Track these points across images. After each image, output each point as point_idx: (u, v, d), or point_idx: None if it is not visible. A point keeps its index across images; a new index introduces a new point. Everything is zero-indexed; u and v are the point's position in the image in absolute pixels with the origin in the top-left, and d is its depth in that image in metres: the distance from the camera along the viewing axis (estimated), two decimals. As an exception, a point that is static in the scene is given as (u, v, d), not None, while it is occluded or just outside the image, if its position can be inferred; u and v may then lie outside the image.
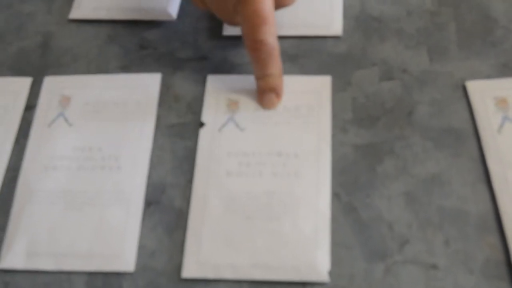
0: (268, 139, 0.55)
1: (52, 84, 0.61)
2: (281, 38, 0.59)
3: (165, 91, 0.60)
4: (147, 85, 0.60)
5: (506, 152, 0.53)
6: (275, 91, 0.57)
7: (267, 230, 0.51)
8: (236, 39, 0.62)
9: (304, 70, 0.59)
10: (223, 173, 0.54)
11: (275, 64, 0.55)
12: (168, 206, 0.54)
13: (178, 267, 0.51)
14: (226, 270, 0.50)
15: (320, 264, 0.49)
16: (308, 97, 0.57)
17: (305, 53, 0.60)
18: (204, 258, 0.50)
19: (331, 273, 0.49)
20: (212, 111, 0.58)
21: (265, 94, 0.57)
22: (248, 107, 0.57)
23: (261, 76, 0.56)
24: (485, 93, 0.56)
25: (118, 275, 0.51)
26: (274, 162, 0.54)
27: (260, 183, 0.53)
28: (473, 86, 0.57)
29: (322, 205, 0.52)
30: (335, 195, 0.53)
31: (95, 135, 0.57)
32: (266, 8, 0.53)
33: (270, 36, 0.53)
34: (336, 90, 0.58)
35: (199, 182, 0.54)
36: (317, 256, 0.50)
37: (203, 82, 0.60)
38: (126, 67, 0.62)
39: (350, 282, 0.49)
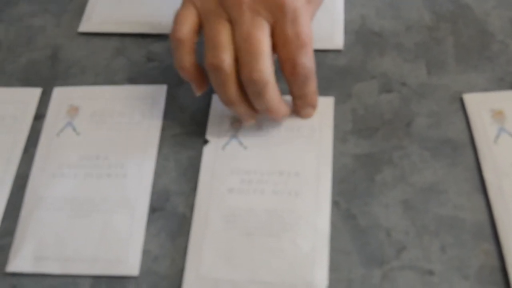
0: (270, 157, 0.57)
1: (61, 95, 0.63)
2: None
3: (170, 102, 0.62)
4: (153, 96, 0.62)
5: (502, 162, 0.54)
6: (312, 106, 0.58)
7: (266, 247, 0.52)
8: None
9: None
10: (225, 190, 0.55)
11: (312, 83, 0.56)
12: (172, 213, 0.55)
13: (180, 272, 0.52)
14: (225, 285, 0.51)
15: (317, 282, 0.50)
16: (310, 118, 0.59)
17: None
18: (204, 273, 0.52)
19: (329, 278, 0.50)
20: (216, 129, 0.59)
21: (303, 109, 0.58)
22: (251, 126, 0.59)
23: (298, 95, 0.57)
24: (481, 105, 0.58)
25: (122, 279, 0.52)
26: (275, 180, 0.55)
27: (261, 201, 0.54)
28: (470, 99, 0.58)
29: (321, 224, 0.53)
30: (335, 203, 0.54)
31: (102, 144, 0.59)
32: (308, 30, 0.53)
33: (309, 60, 0.54)
34: (337, 102, 0.60)
35: (201, 198, 0.55)
36: (315, 274, 0.51)
37: (207, 94, 0.61)
38: (133, 79, 0.64)
39: (348, 287, 0.50)
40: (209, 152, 0.58)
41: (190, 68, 0.56)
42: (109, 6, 0.69)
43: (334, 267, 0.51)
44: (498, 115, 0.57)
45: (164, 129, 0.60)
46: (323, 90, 0.60)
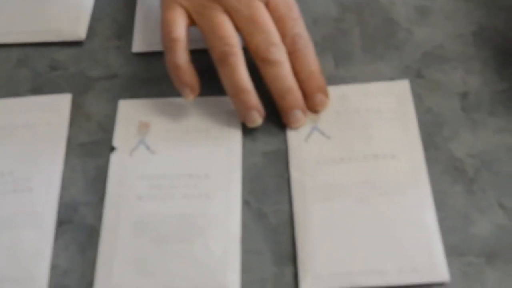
0: (179, 161, 0.56)
1: (-39, 111, 0.60)
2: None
3: (76, 110, 0.60)
4: (57, 106, 0.60)
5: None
6: (322, 90, 0.57)
7: (178, 253, 0.51)
8: (145, 55, 0.63)
9: (214, 86, 0.59)
10: (134, 198, 0.54)
11: (314, 57, 0.57)
12: (80, 224, 0.54)
13: (91, 285, 0.50)
14: None
15: (230, 286, 0.49)
16: (219, 119, 0.58)
17: (214, 67, 0.61)
18: (114, 284, 0.50)
19: (242, 280, 0.50)
20: (123, 135, 0.58)
21: (313, 95, 0.56)
22: (160, 130, 0.58)
23: (305, 76, 0.56)
24: None
25: (30, 297, 0.51)
26: (185, 184, 0.54)
27: (171, 206, 0.53)
28: None
29: (232, 226, 0.52)
30: (246, 203, 0.54)
31: (7, 159, 0.57)
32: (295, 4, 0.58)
33: (305, 30, 0.57)
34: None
35: (109, 208, 0.54)
36: (227, 278, 0.50)
37: (114, 100, 0.60)
38: (37, 90, 0.62)
39: (261, 287, 0.50)
40: (116, 160, 0.56)
41: (187, 68, 0.56)
42: (8, 16, 0.66)
43: (246, 268, 0.50)
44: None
45: (70, 139, 0.58)
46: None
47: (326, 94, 0.57)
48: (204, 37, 0.56)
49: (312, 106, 0.57)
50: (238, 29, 0.56)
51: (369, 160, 0.54)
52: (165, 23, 0.56)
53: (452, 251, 0.49)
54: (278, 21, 0.56)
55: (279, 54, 0.55)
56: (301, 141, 0.56)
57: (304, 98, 0.56)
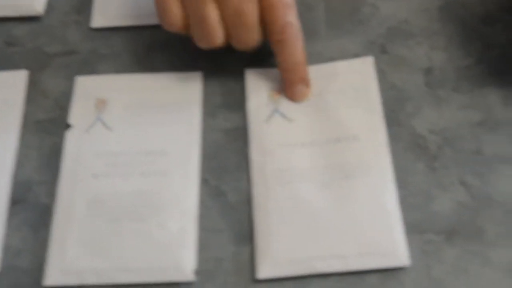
0: (136, 138, 0.54)
1: None
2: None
3: (33, 87, 0.58)
4: (13, 82, 0.58)
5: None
6: (305, 82, 0.55)
7: (133, 232, 0.50)
8: (105, 30, 0.62)
9: (174, 61, 0.59)
10: (89, 176, 0.53)
11: (301, 48, 0.54)
12: (34, 204, 0.52)
13: (43, 265, 0.49)
14: (90, 275, 0.48)
15: (185, 264, 0.48)
16: (177, 94, 0.56)
17: (174, 43, 0.59)
18: (67, 264, 0.49)
19: (199, 258, 0.49)
20: (80, 112, 0.56)
21: (295, 86, 0.55)
22: (117, 106, 0.56)
23: (289, 66, 0.55)
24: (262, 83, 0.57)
25: (-19, 278, 0.49)
26: (143, 161, 0.53)
27: (128, 184, 0.52)
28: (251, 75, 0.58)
29: (189, 204, 0.51)
30: (204, 181, 0.52)
31: (-40, 137, 0.56)
32: None
33: (296, 19, 0.54)
34: (205, 76, 0.58)
35: (64, 186, 0.52)
36: (183, 256, 0.49)
37: (71, 77, 0.59)
38: (-7, 66, 0.60)
39: (218, 266, 0.49)
40: (72, 137, 0.55)
41: None
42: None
43: (204, 247, 0.49)
44: (277, 95, 0.56)
45: (26, 116, 0.57)
46: (190, 65, 0.58)
47: (308, 85, 0.55)
48: (190, 22, 0.54)
49: (292, 96, 0.55)
50: (222, 19, 0.53)
51: (331, 143, 0.53)
52: (162, 11, 0.54)
53: (413, 228, 0.49)
54: (270, 6, 0.53)
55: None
56: (262, 122, 0.54)
57: (284, 87, 0.56)
